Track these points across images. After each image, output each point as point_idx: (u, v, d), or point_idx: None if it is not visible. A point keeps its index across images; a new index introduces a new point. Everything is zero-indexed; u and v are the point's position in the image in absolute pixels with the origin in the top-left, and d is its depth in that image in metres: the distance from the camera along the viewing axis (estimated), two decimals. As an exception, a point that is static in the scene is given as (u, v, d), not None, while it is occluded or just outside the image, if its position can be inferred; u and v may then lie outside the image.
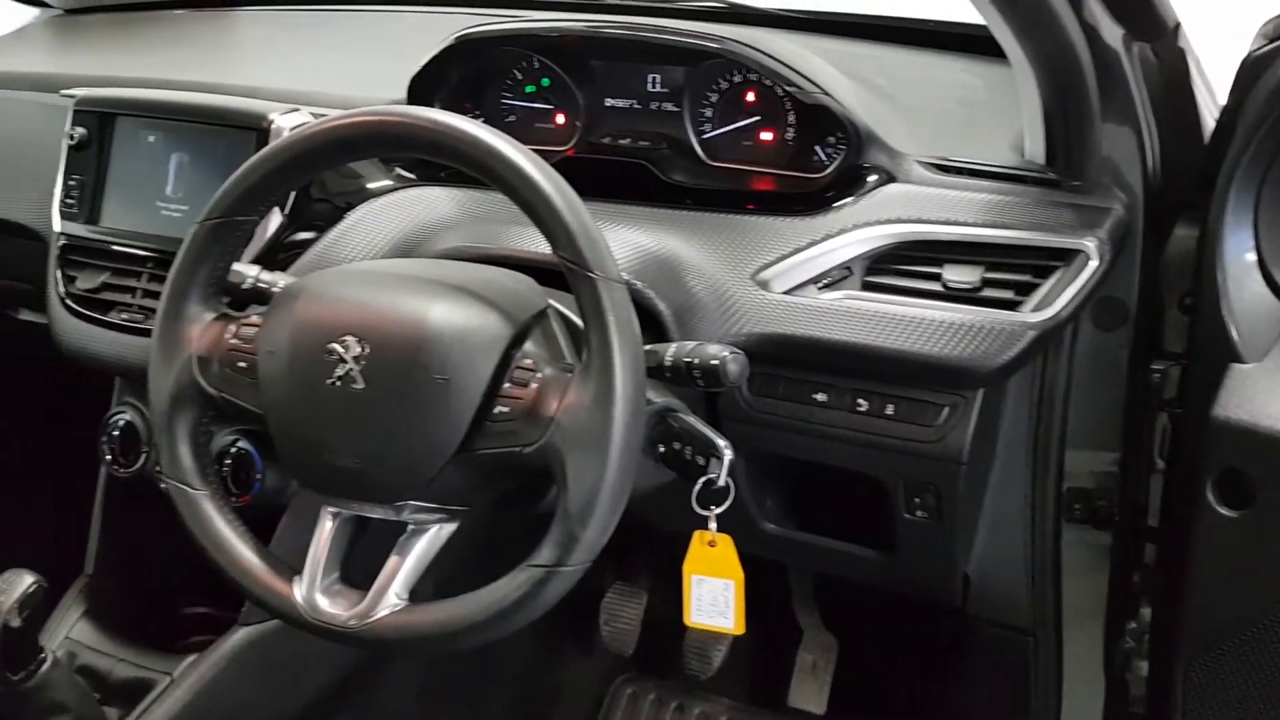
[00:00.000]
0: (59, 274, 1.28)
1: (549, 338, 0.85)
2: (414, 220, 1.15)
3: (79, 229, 1.28)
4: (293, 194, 1.16)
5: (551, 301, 0.88)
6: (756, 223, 1.06)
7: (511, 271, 0.92)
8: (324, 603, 0.84)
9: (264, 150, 0.88)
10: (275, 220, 1.16)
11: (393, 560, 0.83)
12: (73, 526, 1.43)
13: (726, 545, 0.93)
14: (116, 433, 1.27)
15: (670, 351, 0.87)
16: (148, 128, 1.26)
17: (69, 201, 1.28)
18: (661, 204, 1.11)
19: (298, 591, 0.84)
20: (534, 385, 0.81)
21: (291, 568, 0.86)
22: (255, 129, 1.17)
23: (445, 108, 1.19)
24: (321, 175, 1.15)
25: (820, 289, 1.01)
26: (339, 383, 0.82)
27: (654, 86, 1.17)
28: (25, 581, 1.06)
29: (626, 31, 1.15)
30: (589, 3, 1.47)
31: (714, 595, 0.94)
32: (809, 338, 0.99)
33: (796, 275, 1.02)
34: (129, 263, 1.25)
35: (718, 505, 0.90)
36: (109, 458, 1.29)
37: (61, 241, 1.29)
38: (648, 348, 0.87)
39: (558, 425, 0.78)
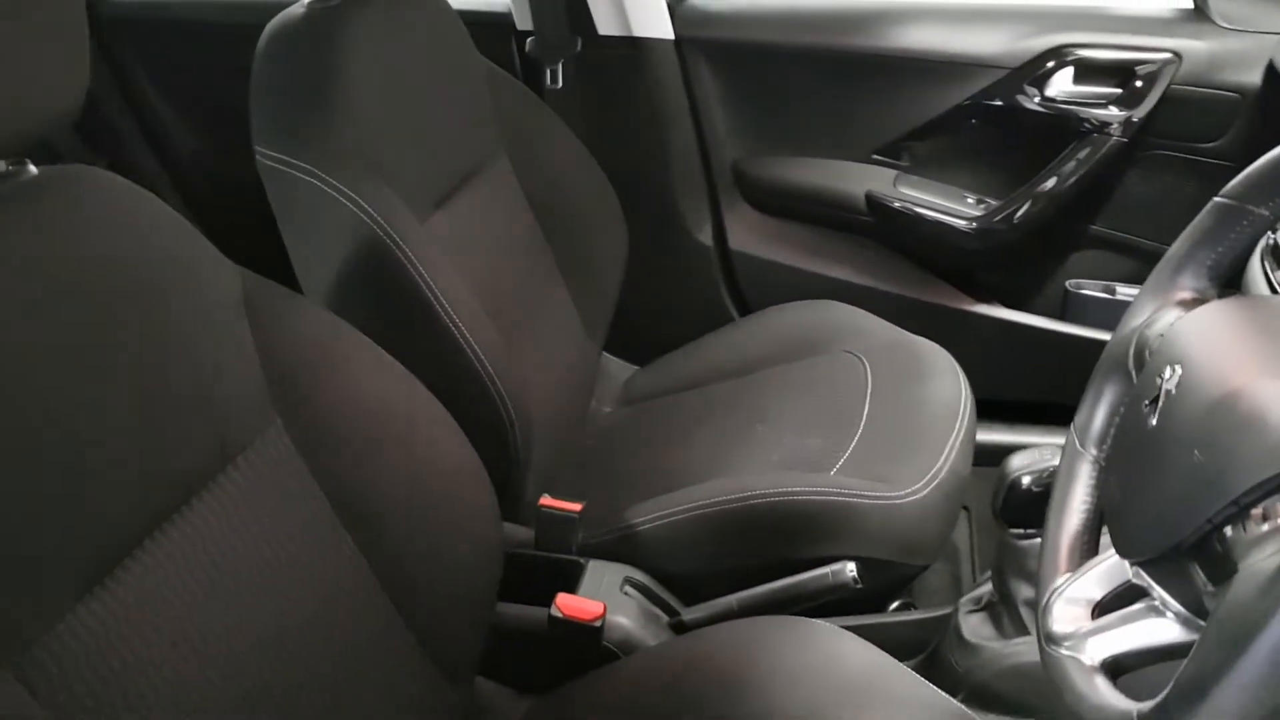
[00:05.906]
0: None
1: None
2: None
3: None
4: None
5: None
6: None
7: None
8: (1057, 608, 0.79)
9: None
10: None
11: (1112, 616, 0.73)
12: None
13: None
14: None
15: None
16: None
17: None
18: None
19: (1060, 578, 0.81)
20: (1269, 525, 0.61)
21: (1080, 556, 0.82)
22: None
23: None
24: None
25: None
26: (1147, 407, 0.73)
27: None
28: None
29: None
30: None
31: None
32: None
33: None
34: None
35: None
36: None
37: None
38: None
39: (1231, 584, 0.60)
